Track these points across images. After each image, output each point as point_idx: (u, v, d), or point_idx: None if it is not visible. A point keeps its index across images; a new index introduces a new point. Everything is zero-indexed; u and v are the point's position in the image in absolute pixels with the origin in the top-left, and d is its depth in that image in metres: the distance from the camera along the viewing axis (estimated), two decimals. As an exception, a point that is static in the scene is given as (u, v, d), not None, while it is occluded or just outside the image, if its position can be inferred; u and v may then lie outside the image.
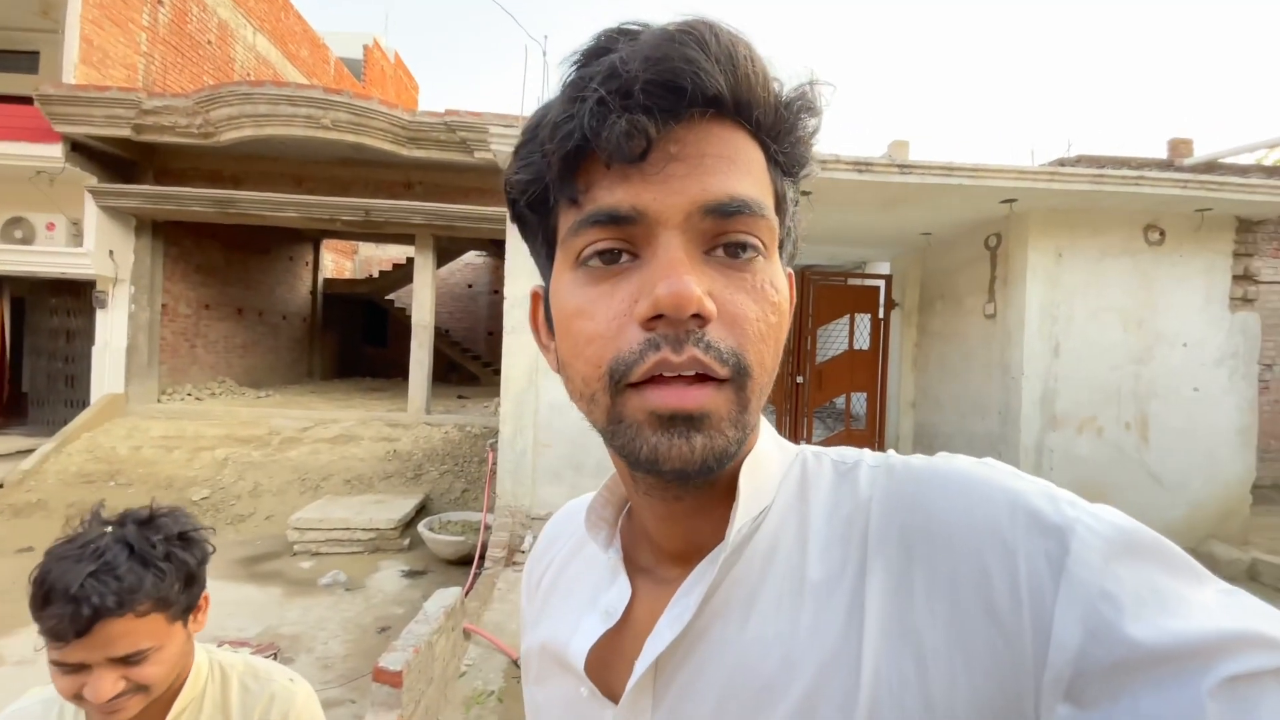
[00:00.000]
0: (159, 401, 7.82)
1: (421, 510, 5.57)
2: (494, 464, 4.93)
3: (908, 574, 0.33)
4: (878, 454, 0.39)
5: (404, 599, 4.09)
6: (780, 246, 0.37)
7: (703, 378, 0.32)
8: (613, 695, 0.39)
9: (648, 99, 0.31)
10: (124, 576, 0.76)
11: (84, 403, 7.40)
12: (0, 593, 4.04)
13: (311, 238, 12.01)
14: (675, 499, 0.37)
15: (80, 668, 0.76)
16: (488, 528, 4.67)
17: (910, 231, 5.74)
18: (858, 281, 6.72)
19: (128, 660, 0.77)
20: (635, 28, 0.34)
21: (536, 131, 0.35)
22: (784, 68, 0.35)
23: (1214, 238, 4.87)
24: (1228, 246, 4.89)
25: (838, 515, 0.37)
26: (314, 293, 12.61)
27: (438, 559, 4.77)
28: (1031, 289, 4.78)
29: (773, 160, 0.36)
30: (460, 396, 10.25)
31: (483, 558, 4.42)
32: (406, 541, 5.10)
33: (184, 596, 0.83)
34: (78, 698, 0.78)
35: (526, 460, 4.66)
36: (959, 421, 5.66)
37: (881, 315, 6.47)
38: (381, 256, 15.81)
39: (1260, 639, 0.27)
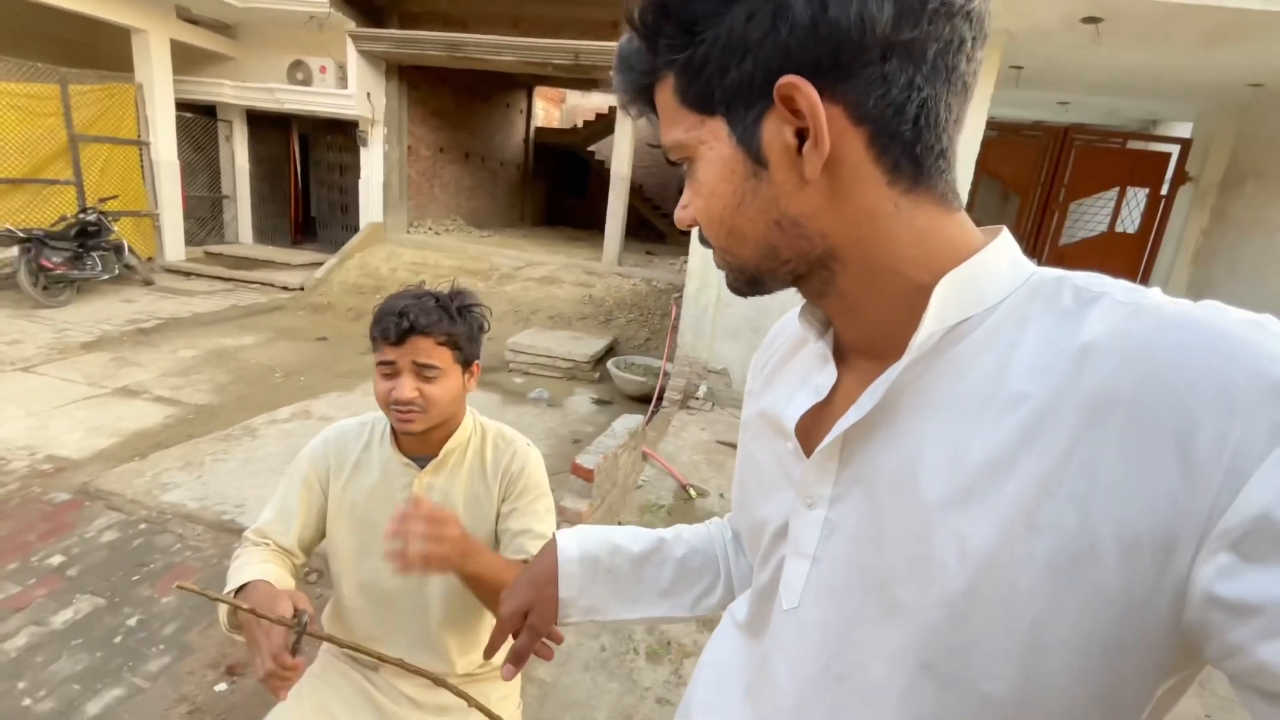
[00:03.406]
0: (408, 232, 9.17)
1: (610, 350, 6.09)
2: (676, 317, 5.13)
3: (1108, 413, 0.33)
4: (1134, 288, 0.38)
5: (593, 420, 4.65)
6: (718, 102, 0.40)
7: None
8: (810, 454, 0.48)
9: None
10: (430, 311, 1.05)
11: (355, 228, 8.94)
12: (308, 366, 5.32)
13: (526, 85, 12.48)
14: (819, 298, 0.47)
15: (393, 373, 1.05)
16: (666, 374, 4.99)
17: (1232, 81, 4.36)
18: (1139, 146, 5.38)
19: (424, 371, 1.05)
20: None
21: None
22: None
23: None
24: None
25: (1053, 345, 0.37)
26: (526, 141, 13.35)
27: (622, 394, 5.26)
28: None
29: (674, 71, 0.41)
30: (648, 252, 10.56)
31: (660, 398, 4.79)
32: (597, 375, 5.68)
33: (465, 344, 1.09)
34: (386, 404, 1.06)
35: (708, 316, 4.78)
36: (1238, 333, 4.58)
37: (1165, 191, 5.20)
38: (585, 106, 16.02)
39: None
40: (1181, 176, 5.21)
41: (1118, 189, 5.24)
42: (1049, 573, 0.34)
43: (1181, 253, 5.30)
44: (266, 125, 9.49)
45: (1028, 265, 0.42)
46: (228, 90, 8.54)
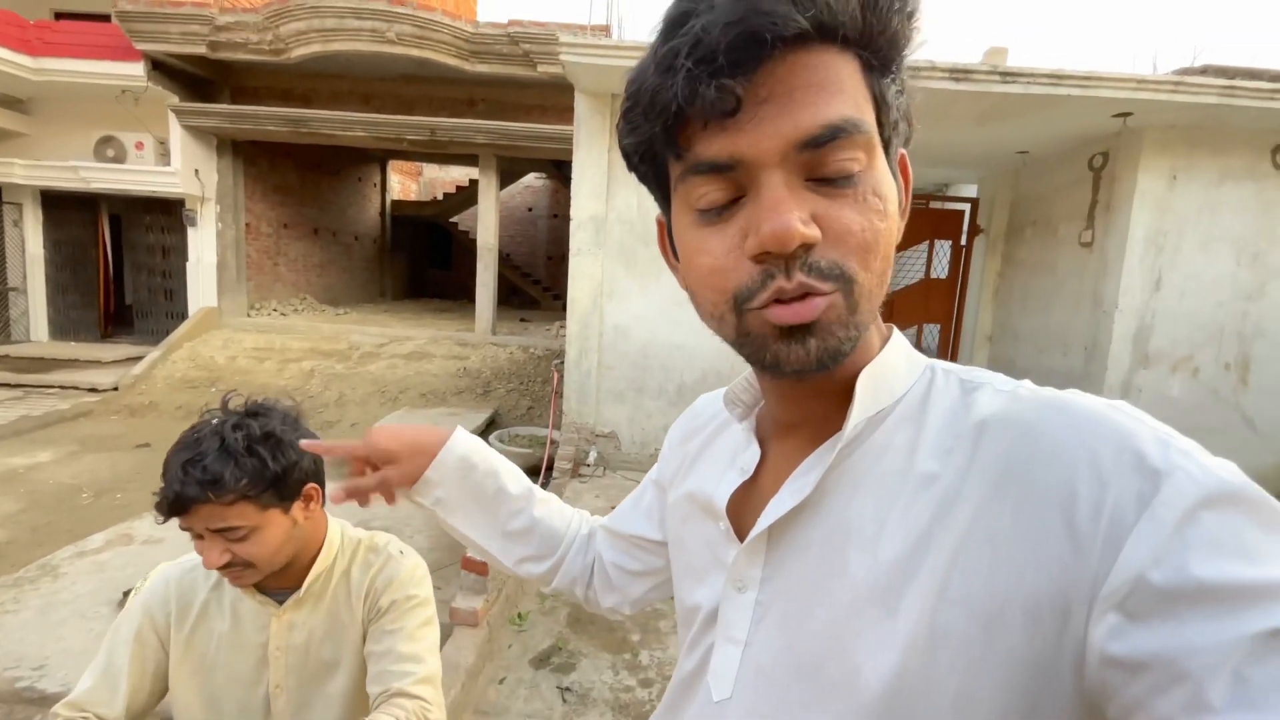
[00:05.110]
0: (248, 315, 8.35)
1: (491, 424, 5.85)
2: (559, 384, 5.08)
3: (1004, 486, 0.36)
4: (1009, 379, 0.42)
5: (478, 503, 4.38)
6: (887, 145, 0.39)
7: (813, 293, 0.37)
8: (740, 535, 0.48)
9: (731, 56, 0.34)
10: (209, 468, 0.83)
11: (183, 315, 7.98)
12: (126, 481, 4.55)
13: (378, 158, 12.16)
14: (796, 382, 0.45)
15: (196, 535, 0.87)
16: (554, 443, 4.88)
17: (1004, 150, 5.31)
18: (940, 205, 6.33)
19: (227, 535, 0.86)
20: None
21: (637, 99, 0.39)
22: None
23: (1361, 159, 4.29)
24: (1373, 170, 4.32)
25: (951, 429, 0.40)
26: (383, 214, 12.90)
27: (507, 469, 5.05)
28: (1137, 215, 4.39)
29: (867, 65, 0.37)
30: (522, 319, 10.48)
31: (550, 469, 4.65)
32: (478, 452, 5.41)
33: (270, 490, 0.88)
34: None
35: (591, 381, 4.78)
36: (1037, 357, 5.41)
37: (964, 242, 6.12)
38: (445, 179, 15.90)
39: None
40: (975, 229, 6.19)
41: (928, 241, 6.11)
42: (965, 643, 0.35)
43: (984, 292, 6.23)
44: (68, 207, 8.34)
45: (920, 359, 0.46)
46: (18, 170, 7.45)
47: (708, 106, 0.35)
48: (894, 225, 0.39)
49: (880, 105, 0.38)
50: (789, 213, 0.35)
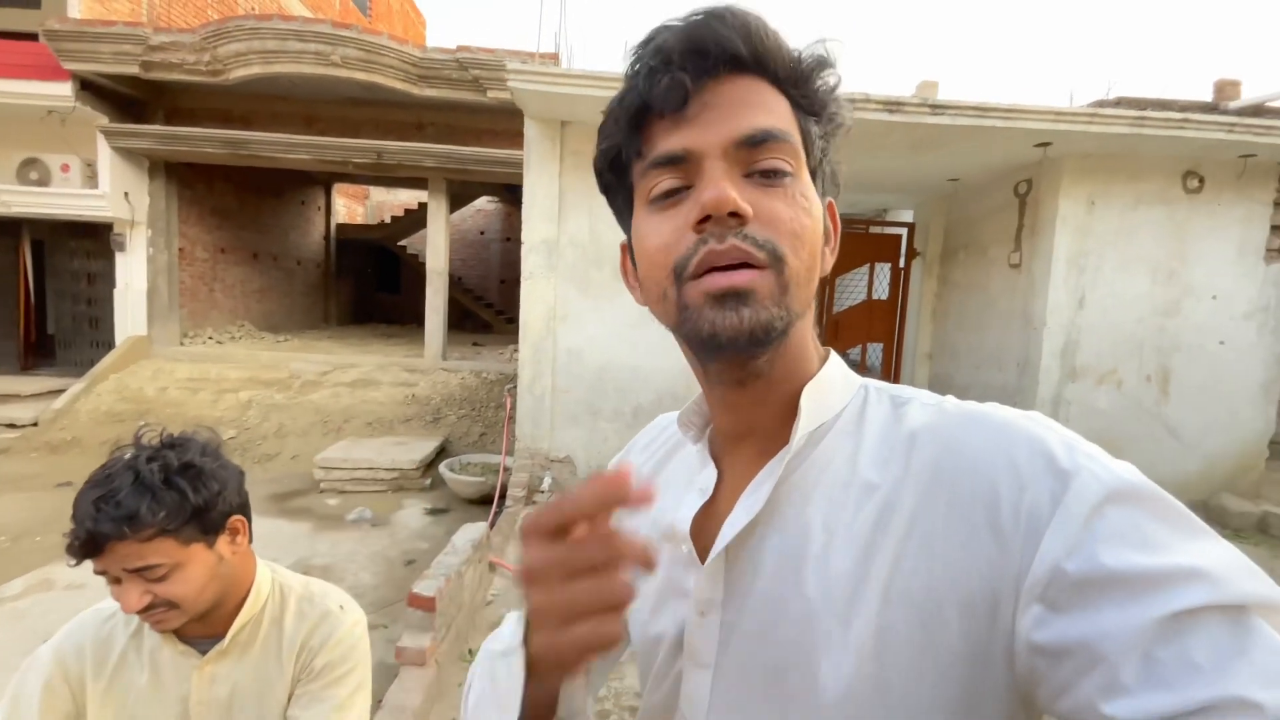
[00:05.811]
0: (181, 344, 7.95)
1: (441, 452, 5.70)
2: (512, 408, 5.01)
3: (935, 491, 0.40)
4: (934, 395, 0.47)
5: (427, 535, 4.25)
6: (814, 174, 0.45)
7: (746, 265, 0.40)
8: (702, 556, 0.48)
9: (682, 61, 0.41)
10: (123, 503, 0.79)
11: (109, 344, 7.54)
12: (46, 523, 4.23)
13: (323, 181, 11.88)
14: (739, 385, 0.46)
15: (113, 579, 0.81)
16: (507, 469, 4.79)
17: (937, 177, 5.57)
18: (879, 230, 6.57)
19: (146, 574, 0.81)
20: (676, 22, 0.44)
21: (610, 110, 0.46)
22: (798, 38, 0.45)
23: (1255, 186, 4.69)
24: (1269, 195, 4.71)
25: (886, 441, 0.44)
26: (327, 238, 12.57)
27: (458, 498, 4.91)
28: (1060, 238, 4.66)
29: (796, 104, 0.44)
30: (475, 344, 10.32)
31: (503, 497, 4.55)
32: (428, 481, 5.25)
33: (192, 523, 0.84)
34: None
35: (545, 405, 4.72)
36: (974, 373, 5.64)
37: (902, 265, 6.37)
38: (393, 202, 15.64)
39: (1208, 576, 0.32)
40: (912, 252, 6.46)
41: (868, 264, 6.34)
42: (909, 642, 0.38)
43: (923, 312, 6.48)
44: (-18, 231, 7.84)
45: (855, 377, 0.50)
46: (-76, 193, 6.96)
47: (662, 95, 0.41)
48: (819, 229, 0.44)
49: (806, 138, 0.45)
50: (726, 184, 0.40)
